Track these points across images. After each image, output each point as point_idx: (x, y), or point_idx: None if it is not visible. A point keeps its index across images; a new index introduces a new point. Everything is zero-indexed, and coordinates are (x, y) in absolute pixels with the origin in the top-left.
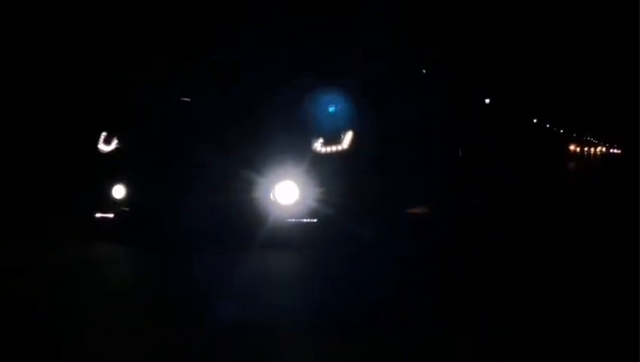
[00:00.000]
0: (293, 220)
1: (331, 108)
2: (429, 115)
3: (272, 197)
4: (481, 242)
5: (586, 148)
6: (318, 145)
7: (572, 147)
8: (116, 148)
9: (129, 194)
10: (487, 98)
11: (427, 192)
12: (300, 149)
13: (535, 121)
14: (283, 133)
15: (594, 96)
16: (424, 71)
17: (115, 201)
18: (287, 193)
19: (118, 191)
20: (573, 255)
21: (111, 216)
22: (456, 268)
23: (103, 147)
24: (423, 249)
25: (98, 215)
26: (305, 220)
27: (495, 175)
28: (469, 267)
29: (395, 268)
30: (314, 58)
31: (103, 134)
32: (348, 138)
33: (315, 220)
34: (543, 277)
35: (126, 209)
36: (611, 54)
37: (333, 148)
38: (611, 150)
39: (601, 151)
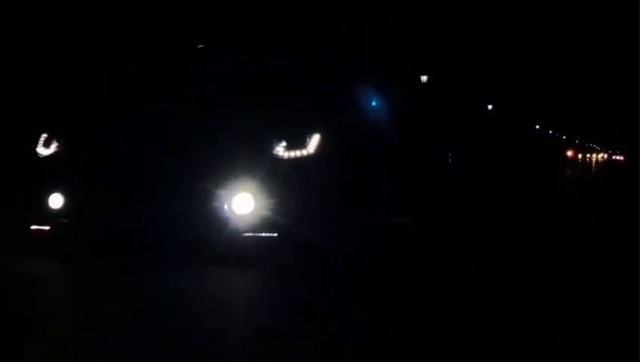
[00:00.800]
0: (251, 234)
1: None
2: (411, 119)
3: (227, 208)
4: (481, 242)
5: (588, 155)
6: (280, 151)
7: (570, 153)
8: (56, 153)
9: (68, 204)
10: (489, 103)
11: (411, 200)
12: (259, 156)
13: (537, 127)
14: (241, 137)
15: (596, 102)
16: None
17: (52, 212)
18: (243, 204)
19: (56, 201)
20: (574, 255)
21: (47, 228)
22: (456, 268)
23: (41, 150)
24: (410, 256)
25: (33, 227)
26: (263, 234)
27: (489, 179)
28: (469, 267)
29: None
30: (278, 57)
31: (43, 136)
32: (314, 142)
33: (275, 234)
34: (543, 277)
35: (64, 220)
36: (613, 59)
37: (297, 154)
38: (614, 156)
39: (603, 157)
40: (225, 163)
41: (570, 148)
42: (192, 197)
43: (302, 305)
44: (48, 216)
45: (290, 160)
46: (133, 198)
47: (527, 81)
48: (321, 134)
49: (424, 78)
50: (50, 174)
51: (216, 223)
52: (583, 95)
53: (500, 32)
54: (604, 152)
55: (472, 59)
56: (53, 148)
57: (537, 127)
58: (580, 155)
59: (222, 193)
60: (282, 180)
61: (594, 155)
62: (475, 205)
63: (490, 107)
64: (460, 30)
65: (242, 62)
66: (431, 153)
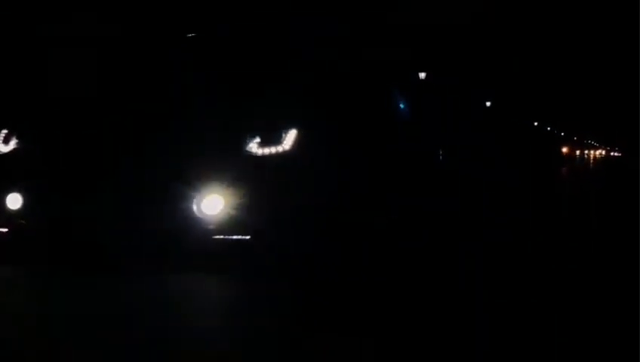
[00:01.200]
0: (221, 237)
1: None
2: (397, 114)
3: (197, 209)
4: (481, 242)
5: (586, 151)
6: (254, 147)
7: (568, 149)
8: (15, 150)
9: (27, 205)
10: (488, 101)
11: (398, 198)
12: (230, 153)
13: (536, 124)
14: (211, 133)
15: (595, 100)
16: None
17: (10, 213)
18: (214, 205)
19: (14, 201)
20: (574, 255)
21: (5, 230)
22: (456, 268)
23: (0, 147)
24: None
25: None
26: (235, 237)
27: (489, 178)
28: (469, 267)
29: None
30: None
31: (3, 132)
32: (291, 138)
33: (248, 237)
34: (543, 277)
35: (23, 222)
36: (613, 58)
37: (272, 150)
38: (611, 153)
39: (600, 154)
40: (195, 161)
41: (568, 145)
42: (160, 197)
43: (300, 307)
44: (6, 217)
45: (264, 157)
46: (96, 199)
47: (526, 78)
48: (299, 130)
49: (422, 76)
50: (8, 172)
51: (185, 225)
52: (582, 93)
53: (499, 31)
54: (602, 149)
55: (471, 58)
56: (12, 145)
57: (536, 124)
58: (578, 152)
59: (192, 193)
60: (256, 179)
61: (592, 152)
62: (475, 205)
63: (488, 104)
64: (460, 30)
65: (213, 56)
66: (428, 152)
